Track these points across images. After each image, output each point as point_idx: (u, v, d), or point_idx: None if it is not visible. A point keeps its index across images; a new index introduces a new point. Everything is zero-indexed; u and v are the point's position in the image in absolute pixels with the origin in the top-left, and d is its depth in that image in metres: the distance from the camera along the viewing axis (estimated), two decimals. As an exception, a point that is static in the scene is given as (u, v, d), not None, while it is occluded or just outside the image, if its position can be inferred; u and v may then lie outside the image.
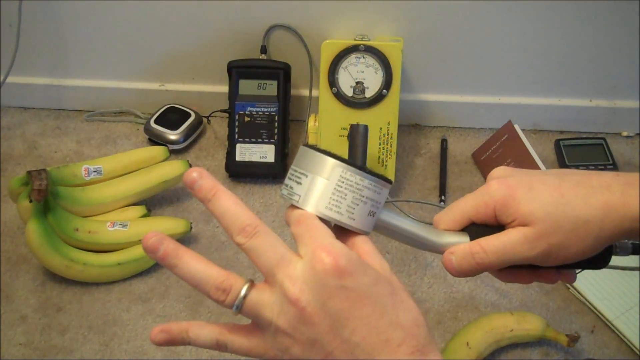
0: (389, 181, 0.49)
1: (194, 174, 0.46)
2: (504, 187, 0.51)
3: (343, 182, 0.47)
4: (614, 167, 1.14)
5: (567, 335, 0.89)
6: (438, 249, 0.53)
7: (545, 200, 0.49)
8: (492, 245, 0.51)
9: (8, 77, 1.17)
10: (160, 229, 1.01)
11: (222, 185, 0.47)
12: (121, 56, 1.21)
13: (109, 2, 1.13)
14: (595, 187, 0.49)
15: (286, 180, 0.49)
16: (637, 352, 0.91)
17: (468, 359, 0.88)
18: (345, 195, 0.47)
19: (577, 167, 1.14)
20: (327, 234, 0.45)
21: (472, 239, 0.52)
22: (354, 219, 0.48)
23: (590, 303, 0.96)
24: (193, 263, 0.46)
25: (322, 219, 0.47)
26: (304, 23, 1.14)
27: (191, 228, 1.03)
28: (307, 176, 0.47)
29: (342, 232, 0.48)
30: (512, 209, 0.50)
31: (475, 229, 0.53)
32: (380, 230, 0.51)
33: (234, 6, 1.12)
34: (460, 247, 0.52)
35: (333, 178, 0.47)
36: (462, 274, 0.52)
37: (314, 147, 0.48)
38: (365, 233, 0.49)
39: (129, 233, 1.00)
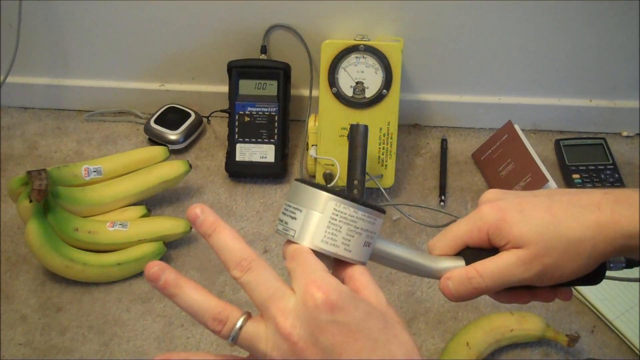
0: (382, 211, 0.50)
1: (197, 210, 0.48)
2: (496, 210, 0.51)
3: (337, 215, 0.48)
4: (614, 167, 1.14)
5: (567, 335, 0.90)
6: (435, 275, 0.53)
7: (537, 221, 0.50)
8: (488, 269, 0.51)
9: (8, 77, 1.17)
10: (160, 229, 1.01)
11: (223, 219, 0.48)
12: (121, 56, 1.21)
13: (109, 2, 1.13)
14: (585, 206, 0.50)
15: (281, 216, 0.50)
16: (637, 352, 0.91)
17: (468, 359, 0.88)
18: (340, 227, 0.48)
19: (577, 167, 1.14)
20: (319, 269, 0.46)
21: (467, 263, 0.53)
22: (350, 251, 0.48)
23: (590, 303, 0.96)
24: (192, 293, 0.47)
25: (318, 253, 0.48)
26: (304, 23, 1.14)
27: (191, 228, 1.03)
28: (301, 211, 0.48)
29: (339, 264, 0.49)
30: (504, 232, 0.51)
31: (470, 252, 0.53)
32: (377, 259, 0.52)
33: (234, 6, 1.12)
34: (457, 272, 0.52)
35: (327, 211, 0.47)
36: (460, 299, 0.53)
37: (307, 182, 0.49)
38: (362, 264, 0.50)
39: (129, 233, 1.00)
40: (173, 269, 0.47)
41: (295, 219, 0.48)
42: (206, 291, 0.47)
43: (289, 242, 0.49)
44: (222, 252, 0.47)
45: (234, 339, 0.46)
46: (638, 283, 0.97)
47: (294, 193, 0.49)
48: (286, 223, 0.49)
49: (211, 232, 0.48)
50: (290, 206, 0.49)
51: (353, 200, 0.48)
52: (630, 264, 0.56)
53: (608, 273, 0.55)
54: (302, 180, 0.49)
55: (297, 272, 0.46)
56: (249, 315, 0.47)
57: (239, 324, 0.46)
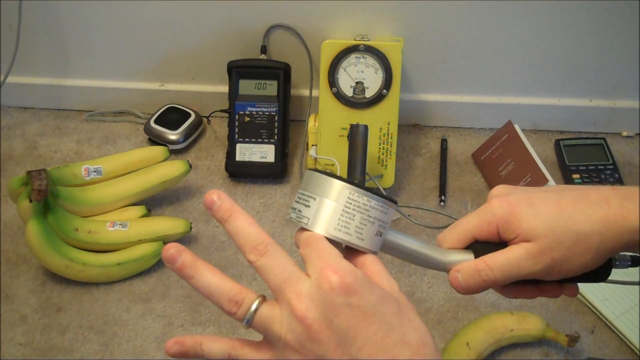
0: (394, 201, 0.50)
1: (214, 196, 0.48)
2: (506, 204, 0.52)
3: (351, 204, 0.48)
4: (614, 167, 1.14)
5: (567, 335, 0.90)
6: (444, 268, 0.54)
7: (546, 215, 0.51)
8: (497, 261, 0.52)
9: (8, 77, 1.17)
10: (160, 229, 1.01)
11: (238, 204, 0.49)
12: (121, 56, 1.21)
13: (109, 2, 1.13)
14: (593, 202, 0.51)
15: (294, 204, 0.50)
16: (637, 352, 0.91)
17: (468, 359, 0.88)
18: (354, 216, 0.48)
19: (577, 167, 1.14)
20: (334, 254, 0.46)
21: (476, 256, 0.53)
22: (363, 239, 0.49)
23: (590, 303, 0.96)
24: (208, 275, 0.47)
25: (331, 240, 0.48)
26: (304, 23, 1.14)
27: (191, 228, 1.03)
28: (315, 199, 0.48)
29: (351, 252, 0.50)
30: (514, 226, 0.51)
31: (479, 246, 0.53)
32: (387, 250, 0.52)
33: (234, 6, 1.12)
34: (466, 264, 0.53)
35: (341, 200, 0.48)
36: (469, 291, 0.53)
37: (321, 171, 0.49)
38: (374, 253, 0.50)
39: (129, 233, 1.00)
40: (190, 251, 0.48)
41: (309, 206, 0.49)
42: (222, 274, 0.48)
43: (302, 229, 0.49)
44: (238, 236, 0.48)
45: (249, 321, 0.46)
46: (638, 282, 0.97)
47: (308, 182, 0.50)
48: (299, 211, 0.49)
49: (228, 217, 0.48)
50: (303, 194, 0.49)
51: (367, 189, 0.48)
52: (635, 262, 0.56)
53: (613, 275, 0.55)
54: (316, 170, 0.50)
55: (312, 257, 0.46)
56: (264, 299, 0.47)
57: (254, 306, 0.46)
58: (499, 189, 0.55)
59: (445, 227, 0.58)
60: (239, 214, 0.48)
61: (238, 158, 1.13)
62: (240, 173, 1.14)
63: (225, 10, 1.13)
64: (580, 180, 1.12)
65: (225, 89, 1.15)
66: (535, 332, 0.90)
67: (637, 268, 0.57)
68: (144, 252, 0.99)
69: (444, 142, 1.21)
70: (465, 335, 0.90)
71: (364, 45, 1.04)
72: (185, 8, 1.13)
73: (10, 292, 0.99)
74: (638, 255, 0.56)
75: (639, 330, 0.92)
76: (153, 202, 1.09)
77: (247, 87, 1.13)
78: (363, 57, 1.05)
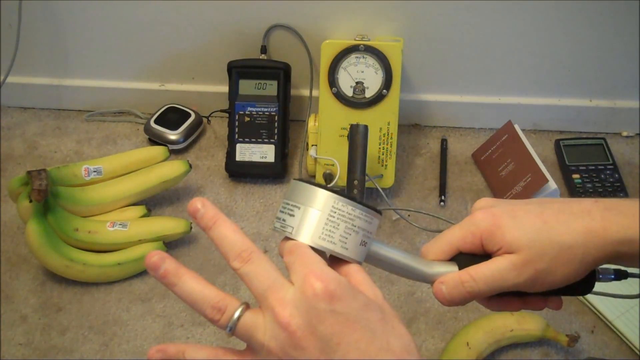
0: (378, 212, 0.50)
1: (198, 204, 0.48)
2: (489, 216, 0.52)
3: (335, 213, 0.48)
4: (614, 167, 1.14)
5: (567, 335, 0.90)
6: (428, 279, 0.54)
7: (529, 227, 0.51)
8: (481, 273, 0.52)
9: (8, 77, 1.17)
10: (160, 229, 1.01)
11: (224, 208, 0.48)
12: (121, 56, 1.21)
13: (109, 2, 1.13)
14: (576, 213, 0.51)
15: (278, 214, 0.50)
16: (637, 352, 0.91)
17: (468, 359, 0.88)
18: (338, 225, 0.48)
19: (577, 167, 1.14)
20: (317, 261, 0.46)
21: (460, 268, 0.53)
22: (347, 248, 0.49)
23: (590, 303, 0.96)
24: (192, 282, 0.47)
25: (315, 250, 0.48)
26: (304, 23, 1.14)
27: (191, 228, 1.03)
28: (299, 208, 0.48)
29: (335, 262, 0.49)
30: (497, 238, 0.51)
31: (463, 258, 0.54)
32: (371, 261, 0.52)
33: (234, 6, 1.12)
34: (450, 276, 0.53)
35: (325, 209, 0.48)
36: (453, 302, 0.53)
37: (305, 180, 0.49)
38: (358, 262, 0.50)
39: (129, 233, 1.00)
40: (173, 258, 0.47)
41: (293, 216, 0.48)
42: (206, 281, 0.47)
43: (287, 238, 0.49)
44: (222, 244, 0.47)
45: (232, 329, 0.46)
46: (638, 283, 0.97)
47: (292, 191, 0.50)
48: (284, 220, 0.49)
49: (212, 224, 0.48)
50: (288, 204, 0.49)
51: (351, 199, 0.48)
52: (618, 276, 0.56)
53: (611, 290, 0.55)
54: (301, 179, 0.50)
55: (296, 264, 0.46)
56: (247, 306, 0.47)
57: (237, 313, 0.46)
58: (483, 201, 0.55)
59: (444, 230, 0.58)
60: (223, 222, 0.48)
61: (238, 158, 1.13)
62: (240, 173, 1.14)
63: (225, 10, 1.13)
64: (580, 180, 1.12)
65: (225, 89, 1.15)
66: (535, 332, 0.90)
67: (638, 280, 0.57)
68: (144, 252, 0.99)
69: (444, 142, 1.21)
70: (465, 335, 0.90)
71: (364, 45, 1.04)
72: (185, 8, 1.13)
73: (10, 292, 0.99)
74: (622, 268, 0.56)
75: (639, 330, 0.92)
76: (153, 202, 1.09)
77: (247, 87, 1.13)
78: (363, 57, 1.05)
